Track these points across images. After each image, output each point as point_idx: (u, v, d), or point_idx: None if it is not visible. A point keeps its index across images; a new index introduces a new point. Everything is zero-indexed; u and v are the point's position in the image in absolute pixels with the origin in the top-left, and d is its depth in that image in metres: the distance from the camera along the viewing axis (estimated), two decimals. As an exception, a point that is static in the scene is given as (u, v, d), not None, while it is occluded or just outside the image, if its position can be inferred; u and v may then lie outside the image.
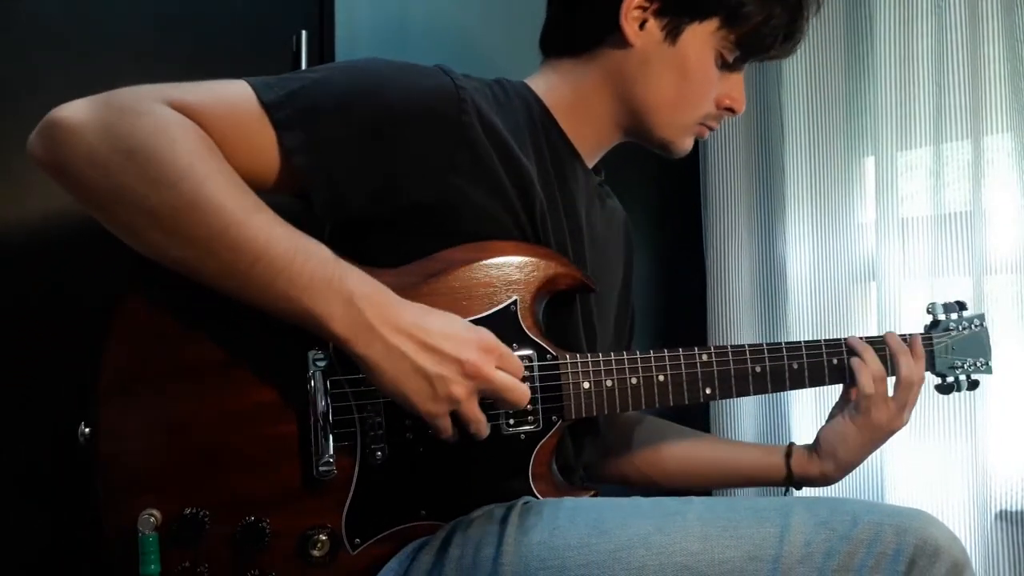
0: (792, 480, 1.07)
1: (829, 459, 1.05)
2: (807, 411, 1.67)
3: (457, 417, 0.81)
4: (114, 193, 0.75)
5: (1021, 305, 1.41)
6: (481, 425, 0.82)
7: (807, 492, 1.63)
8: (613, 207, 1.13)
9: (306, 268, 0.75)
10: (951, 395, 1.45)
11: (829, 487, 1.63)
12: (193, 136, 0.76)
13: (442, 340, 0.78)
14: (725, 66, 1.00)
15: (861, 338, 1.04)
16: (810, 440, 1.09)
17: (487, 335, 0.81)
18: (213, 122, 0.78)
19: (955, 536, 0.78)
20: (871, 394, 1.00)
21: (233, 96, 0.81)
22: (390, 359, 0.77)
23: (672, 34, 0.96)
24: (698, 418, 1.83)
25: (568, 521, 0.80)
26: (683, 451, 1.13)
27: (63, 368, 0.98)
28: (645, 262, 1.89)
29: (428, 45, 1.56)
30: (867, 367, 1.01)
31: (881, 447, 1.52)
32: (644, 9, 0.95)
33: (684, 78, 0.97)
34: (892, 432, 1.03)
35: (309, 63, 1.34)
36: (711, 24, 0.96)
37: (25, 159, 0.78)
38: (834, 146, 1.65)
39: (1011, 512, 1.41)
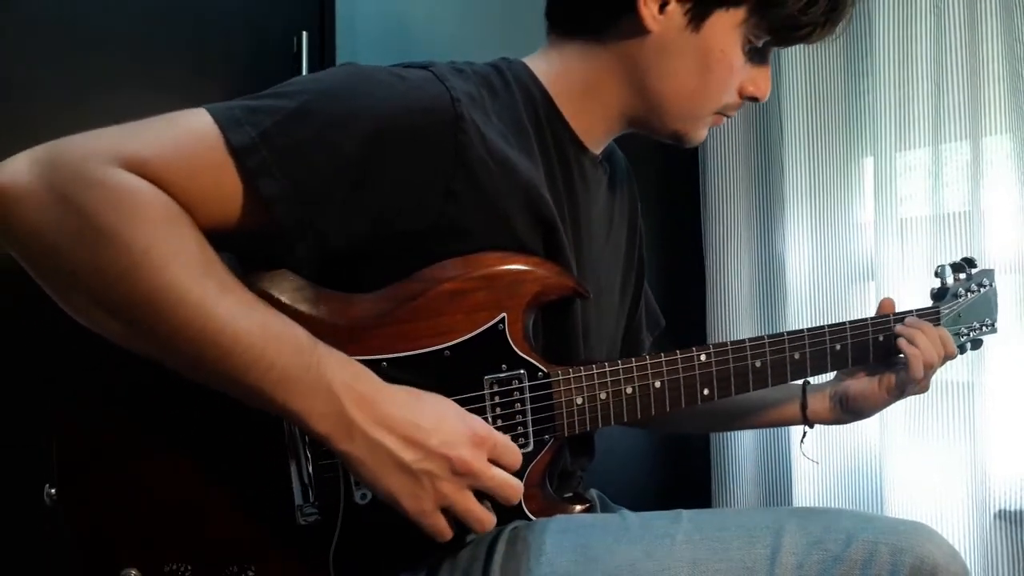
0: (808, 423, 1.08)
1: (851, 414, 1.05)
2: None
3: (453, 513, 0.76)
4: (65, 277, 0.67)
5: (1020, 305, 1.41)
6: (483, 521, 0.76)
7: (802, 494, 1.64)
8: (616, 181, 1.04)
9: (278, 361, 0.69)
10: (950, 392, 1.46)
11: (828, 486, 1.65)
12: (151, 209, 0.67)
13: (429, 433, 0.73)
14: (753, 52, 0.90)
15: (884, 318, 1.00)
16: (801, 427, 1.09)
17: (480, 425, 0.76)
18: (175, 179, 0.69)
19: (955, 552, 0.75)
20: (920, 379, 0.98)
21: (196, 141, 0.71)
22: (372, 455, 0.72)
23: (696, 20, 0.86)
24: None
25: (555, 548, 0.78)
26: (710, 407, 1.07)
27: (62, 367, 0.97)
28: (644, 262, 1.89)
29: (428, 45, 1.57)
30: (922, 355, 0.97)
31: (880, 447, 1.54)
32: None
33: (707, 69, 0.88)
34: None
35: (309, 64, 1.34)
36: (740, 11, 0.86)
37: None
38: (833, 146, 1.65)
39: (1010, 512, 1.41)
